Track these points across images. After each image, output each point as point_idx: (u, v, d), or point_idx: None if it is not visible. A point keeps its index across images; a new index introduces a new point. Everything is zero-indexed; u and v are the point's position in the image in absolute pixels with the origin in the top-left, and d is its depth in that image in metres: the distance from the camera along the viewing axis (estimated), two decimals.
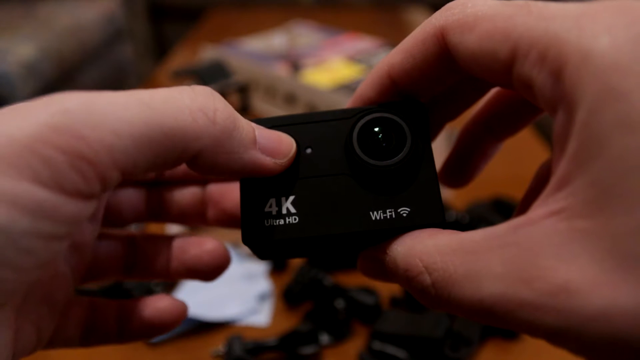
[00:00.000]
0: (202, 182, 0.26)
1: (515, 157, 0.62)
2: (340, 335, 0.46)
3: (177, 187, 0.26)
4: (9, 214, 0.14)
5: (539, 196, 0.15)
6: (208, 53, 0.95)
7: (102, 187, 0.16)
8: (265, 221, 0.20)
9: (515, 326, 0.14)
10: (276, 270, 0.53)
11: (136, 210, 0.26)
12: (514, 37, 0.15)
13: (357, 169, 0.20)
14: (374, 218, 0.19)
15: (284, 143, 0.20)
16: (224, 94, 0.82)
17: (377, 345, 0.43)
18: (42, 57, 1.35)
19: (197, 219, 0.26)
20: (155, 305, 0.24)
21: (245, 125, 0.18)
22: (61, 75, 1.44)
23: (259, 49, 0.94)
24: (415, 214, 0.19)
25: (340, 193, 0.20)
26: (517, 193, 0.59)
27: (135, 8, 1.91)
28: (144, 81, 1.39)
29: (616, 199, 0.12)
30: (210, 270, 0.25)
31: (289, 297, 0.49)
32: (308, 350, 0.43)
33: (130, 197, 0.25)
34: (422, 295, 0.16)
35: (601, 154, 0.13)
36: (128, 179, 0.25)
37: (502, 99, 0.22)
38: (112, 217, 0.25)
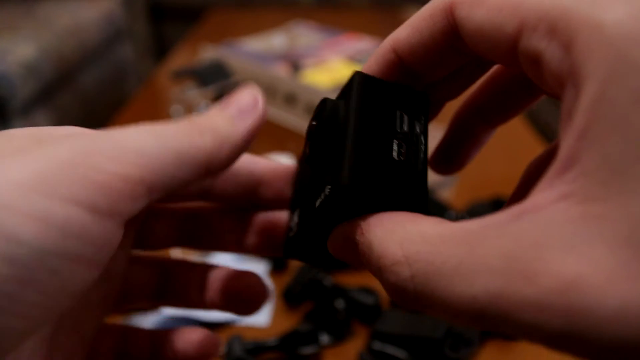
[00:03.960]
0: (242, 210, 0.25)
1: (515, 157, 0.62)
2: (340, 335, 0.46)
3: (214, 214, 0.25)
4: (38, 231, 0.14)
5: (537, 183, 0.13)
6: (208, 53, 0.95)
7: (131, 205, 0.16)
8: (289, 234, 0.21)
9: (512, 329, 0.12)
10: (276, 270, 0.53)
11: (169, 235, 0.25)
12: (523, 10, 0.14)
13: (308, 158, 0.19)
14: (316, 205, 0.18)
15: (245, 99, 0.20)
16: (223, 94, 0.82)
17: (377, 346, 0.43)
18: (42, 57, 1.35)
19: (234, 246, 0.25)
20: (189, 337, 0.24)
21: (223, 127, 0.19)
22: (61, 75, 1.44)
23: (259, 49, 0.94)
24: (331, 183, 0.17)
25: (310, 190, 0.19)
26: None
27: (135, 8, 1.91)
28: (144, 81, 1.39)
29: (635, 179, 0.11)
30: (249, 306, 0.24)
31: (289, 297, 0.49)
32: (308, 350, 0.43)
33: (163, 223, 0.25)
34: (395, 289, 0.15)
35: (616, 129, 0.12)
36: (160, 206, 0.24)
37: (496, 83, 0.22)
38: (143, 242, 0.25)
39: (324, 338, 0.45)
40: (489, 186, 0.62)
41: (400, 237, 0.15)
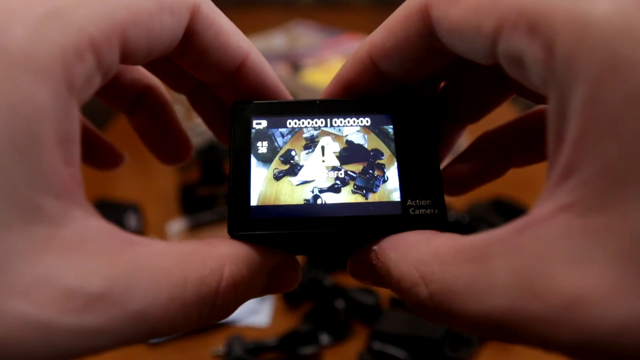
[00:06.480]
0: None
1: None
2: (340, 335, 0.46)
3: None
4: None
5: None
6: None
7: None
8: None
9: (526, 342, 0.12)
10: None
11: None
12: (501, 8, 0.13)
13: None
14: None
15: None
16: None
17: (377, 345, 0.43)
18: None
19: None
20: None
21: None
22: None
23: (259, 49, 0.94)
24: None
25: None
26: (517, 193, 0.59)
27: None
28: None
29: (635, 187, 0.11)
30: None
31: (289, 297, 0.49)
32: (308, 350, 0.43)
33: None
34: (417, 307, 0.15)
35: (612, 135, 0.11)
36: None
37: (462, 80, 0.21)
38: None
39: (324, 338, 0.45)
40: (489, 186, 0.62)
41: (415, 259, 0.15)
